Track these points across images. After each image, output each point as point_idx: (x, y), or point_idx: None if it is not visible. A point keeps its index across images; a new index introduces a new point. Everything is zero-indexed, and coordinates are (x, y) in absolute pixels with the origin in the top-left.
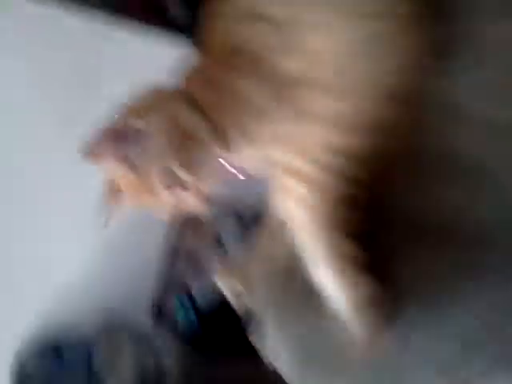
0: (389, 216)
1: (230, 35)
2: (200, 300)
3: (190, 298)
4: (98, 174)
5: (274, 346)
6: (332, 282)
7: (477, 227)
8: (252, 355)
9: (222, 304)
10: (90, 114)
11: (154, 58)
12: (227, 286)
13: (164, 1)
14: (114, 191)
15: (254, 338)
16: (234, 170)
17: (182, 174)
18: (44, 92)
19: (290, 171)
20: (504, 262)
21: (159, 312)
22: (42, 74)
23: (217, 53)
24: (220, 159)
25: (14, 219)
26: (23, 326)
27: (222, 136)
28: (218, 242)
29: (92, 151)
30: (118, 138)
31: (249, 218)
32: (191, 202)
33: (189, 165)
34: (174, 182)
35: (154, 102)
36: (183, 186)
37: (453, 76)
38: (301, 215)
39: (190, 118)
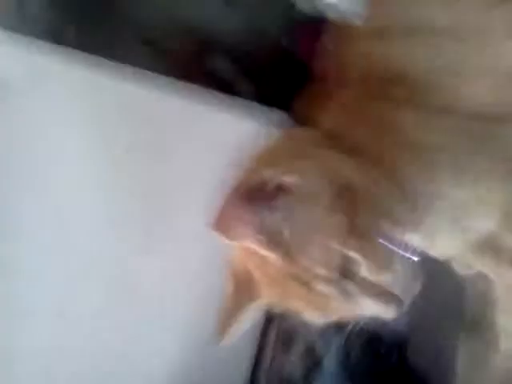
0: None
1: (375, 60)
2: None
3: None
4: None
5: None
6: None
7: None
8: None
9: None
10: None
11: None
12: None
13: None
14: (244, 284)
15: None
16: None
17: (359, 262)
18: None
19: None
20: None
21: None
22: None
23: (359, 84)
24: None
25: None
26: None
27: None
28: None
29: (225, 223)
30: (256, 199)
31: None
32: (369, 309)
33: (366, 247)
34: (346, 276)
35: (295, 150)
36: (360, 283)
37: None
38: None
39: (353, 171)
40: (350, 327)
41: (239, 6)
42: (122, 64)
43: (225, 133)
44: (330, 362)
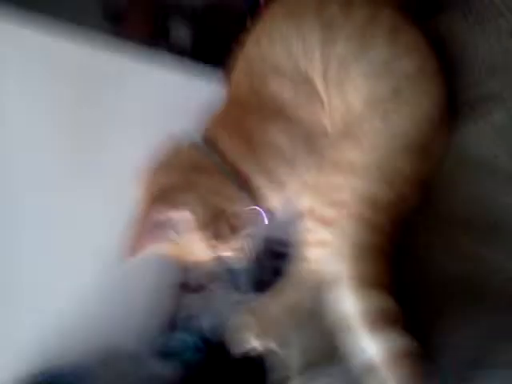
0: (412, 267)
1: (256, 85)
2: (205, 335)
3: (198, 335)
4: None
5: None
6: (365, 336)
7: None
8: None
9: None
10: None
11: (155, 81)
12: (251, 333)
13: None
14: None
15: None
16: (263, 215)
17: (223, 236)
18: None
19: (316, 217)
20: None
21: (165, 350)
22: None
23: (243, 100)
24: (251, 207)
25: (20, 249)
26: (23, 360)
27: (254, 188)
28: (229, 279)
29: (135, 248)
30: (155, 228)
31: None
32: (229, 253)
33: (226, 228)
34: (215, 245)
35: (180, 182)
36: (224, 243)
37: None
38: (329, 263)
39: (217, 179)
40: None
41: None
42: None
43: (165, 89)
44: (235, 269)
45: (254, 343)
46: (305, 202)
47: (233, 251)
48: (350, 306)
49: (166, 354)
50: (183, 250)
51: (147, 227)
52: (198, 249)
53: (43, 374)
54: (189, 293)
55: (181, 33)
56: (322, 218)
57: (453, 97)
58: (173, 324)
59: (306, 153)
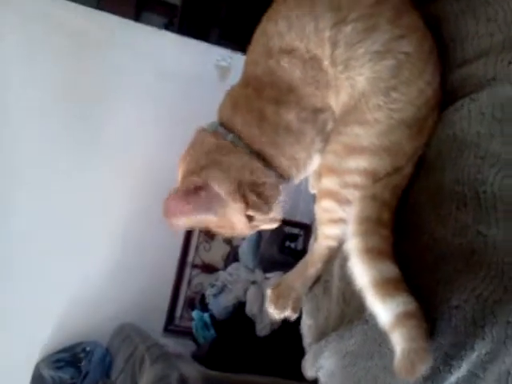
0: (414, 239)
1: (271, 63)
2: (217, 314)
3: (208, 311)
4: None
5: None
6: (377, 302)
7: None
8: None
9: (237, 315)
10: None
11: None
12: (271, 305)
13: None
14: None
15: (305, 361)
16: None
17: (257, 206)
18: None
19: (334, 197)
20: None
21: (176, 326)
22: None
23: (258, 78)
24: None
25: (40, 237)
26: (42, 338)
27: (278, 169)
28: (235, 255)
29: (171, 212)
30: (189, 196)
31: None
32: (266, 224)
33: (256, 198)
34: (251, 216)
35: (206, 160)
36: (260, 214)
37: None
38: (343, 238)
39: (241, 156)
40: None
41: None
42: None
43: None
44: (244, 249)
45: (273, 313)
46: (323, 183)
47: (269, 221)
48: (362, 276)
49: (178, 331)
50: (225, 224)
51: (186, 200)
52: (237, 222)
53: (66, 350)
54: (201, 272)
55: None
56: (340, 198)
57: (445, 76)
58: (186, 302)
59: (316, 130)
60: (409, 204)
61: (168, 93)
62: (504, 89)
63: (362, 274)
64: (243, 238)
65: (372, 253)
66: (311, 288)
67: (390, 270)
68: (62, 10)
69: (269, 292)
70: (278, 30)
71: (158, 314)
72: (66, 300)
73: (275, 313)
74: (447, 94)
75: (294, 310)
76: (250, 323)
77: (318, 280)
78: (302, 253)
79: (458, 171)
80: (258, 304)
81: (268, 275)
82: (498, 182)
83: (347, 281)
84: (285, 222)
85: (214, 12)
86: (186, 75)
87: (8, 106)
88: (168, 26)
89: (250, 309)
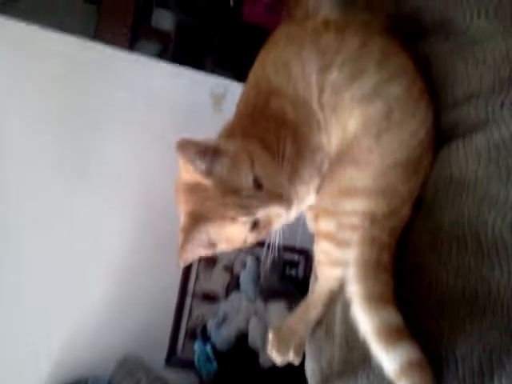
0: (415, 283)
1: (260, 103)
2: (220, 346)
3: (210, 343)
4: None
5: None
6: (380, 351)
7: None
8: None
9: (239, 347)
10: None
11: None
12: (273, 349)
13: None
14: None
15: None
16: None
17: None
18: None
19: (331, 239)
20: None
21: (177, 358)
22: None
23: (250, 115)
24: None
25: (30, 266)
26: (44, 374)
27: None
28: (236, 284)
29: (184, 145)
30: (199, 243)
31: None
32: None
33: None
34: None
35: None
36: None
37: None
38: (343, 281)
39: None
40: (263, 250)
41: None
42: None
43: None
44: (245, 278)
45: (276, 358)
46: (320, 225)
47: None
48: (364, 324)
49: (181, 363)
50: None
51: (192, 243)
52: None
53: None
54: (203, 303)
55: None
56: (338, 240)
57: (437, 117)
58: (187, 333)
59: (314, 168)
60: (408, 245)
61: (162, 122)
62: (499, 131)
63: (363, 321)
64: (244, 266)
65: (373, 299)
66: (314, 331)
67: (393, 316)
68: (53, 40)
69: (270, 336)
70: (266, 72)
71: (160, 345)
72: (66, 334)
73: (277, 358)
74: (441, 134)
75: (296, 353)
76: (253, 355)
77: (320, 322)
78: (304, 281)
79: (458, 213)
80: (261, 335)
81: (269, 305)
82: (499, 224)
83: (350, 325)
84: (284, 248)
85: (208, 39)
86: (180, 104)
87: None
88: (162, 53)
89: (253, 340)
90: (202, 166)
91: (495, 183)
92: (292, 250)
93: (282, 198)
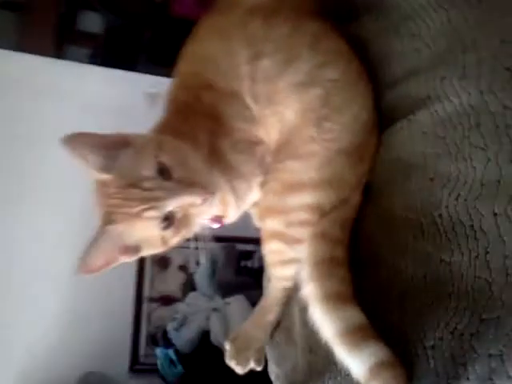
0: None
1: (191, 99)
2: (182, 348)
3: (172, 347)
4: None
5: None
6: (345, 355)
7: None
8: None
9: (203, 346)
10: None
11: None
12: (232, 360)
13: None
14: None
15: None
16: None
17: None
18: None
19: (281, 238)
20: None
21: (141, 365)
22: None
23: (180, 112)
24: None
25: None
26: None
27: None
28: (192, 283)
29: (71, 140)
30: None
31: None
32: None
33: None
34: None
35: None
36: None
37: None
38: (298, 281)
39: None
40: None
41: None
42: None
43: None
44: (200, 277)
45: (236, 369)
46: (267, 225)
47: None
48: (324, 327)
49: (145, 370)
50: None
51: (97, 249)
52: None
53: None
54: (160, 305)
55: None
56: (287, 238)
57: (378, 98)
58: (148, 339)
59: (254, 162)
60: (362, 236)
61: (99, 128)
62: (442, 106)
63: (323, 324)
64: (197, 264)
65: (331, 299)
66: (273, 335)
67: (354, 315)
68: None
69: (227, 347)
70: (193, 67)
71: (122, 355)
72: (23, 358)
73: (238, 368)
74: (383, 116)
75: (257, 361)
76: (217, 352)
77: (278, 326)
78: (260, 271)
79: (409, 197)
80: (223, 331)
81: (228, 300)
82: (453, 203)
83: (310, 328)
84: (237, 240)
85: (138, 37)
86: (116, 107)
87: None
88: (92, 57)
89: (216, 337)
90: (97, 160)
91: (445, 161)
92: (244, 240)
93: (196, 185)
